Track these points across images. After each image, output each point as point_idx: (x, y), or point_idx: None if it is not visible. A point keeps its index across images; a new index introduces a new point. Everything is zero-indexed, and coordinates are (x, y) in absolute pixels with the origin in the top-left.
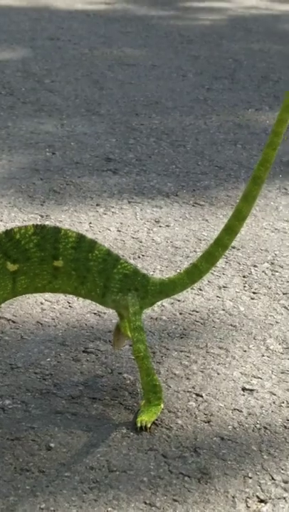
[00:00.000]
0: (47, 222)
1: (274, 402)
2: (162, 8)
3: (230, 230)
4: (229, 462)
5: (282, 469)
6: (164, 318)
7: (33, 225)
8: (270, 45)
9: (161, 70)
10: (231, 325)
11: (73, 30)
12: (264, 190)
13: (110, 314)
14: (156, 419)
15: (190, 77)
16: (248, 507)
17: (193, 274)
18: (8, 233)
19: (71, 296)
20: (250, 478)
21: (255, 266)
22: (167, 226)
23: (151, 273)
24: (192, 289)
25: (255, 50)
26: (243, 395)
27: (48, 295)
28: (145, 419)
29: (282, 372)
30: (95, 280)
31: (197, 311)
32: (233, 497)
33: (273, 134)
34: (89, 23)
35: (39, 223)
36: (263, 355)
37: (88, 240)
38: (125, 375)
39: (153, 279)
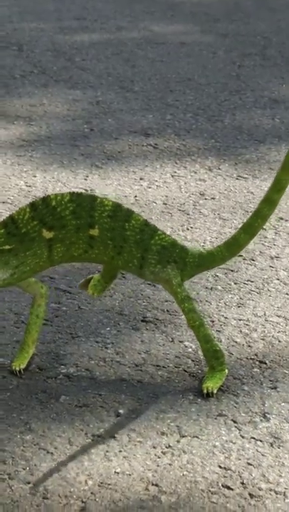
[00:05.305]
0: None
1: None
2: None
3: (270, 201)
4: None
5: None
6: (219, 287)
7: (70, 192)
8: None
9: (191, 47)
10: (287, 294)
11: (98, 11)
12: None
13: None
14: (222, 386)
15: (220, 55)
16: None
17: (233, 246)
18: (45, 200)
19: None
20: None
21: None
22: (213, 199)
23: (202, 245)
24: (244, 259)
25: (282, 28)
26: None
27: (99, 267)
28: (211, 385)
29: None
30: (132, 251)
31: (252, 281)
32: None
33: None
34: (113, 3)
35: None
36: None
37: (125, 210)
38: (186, 343)
39: (192, 251)
